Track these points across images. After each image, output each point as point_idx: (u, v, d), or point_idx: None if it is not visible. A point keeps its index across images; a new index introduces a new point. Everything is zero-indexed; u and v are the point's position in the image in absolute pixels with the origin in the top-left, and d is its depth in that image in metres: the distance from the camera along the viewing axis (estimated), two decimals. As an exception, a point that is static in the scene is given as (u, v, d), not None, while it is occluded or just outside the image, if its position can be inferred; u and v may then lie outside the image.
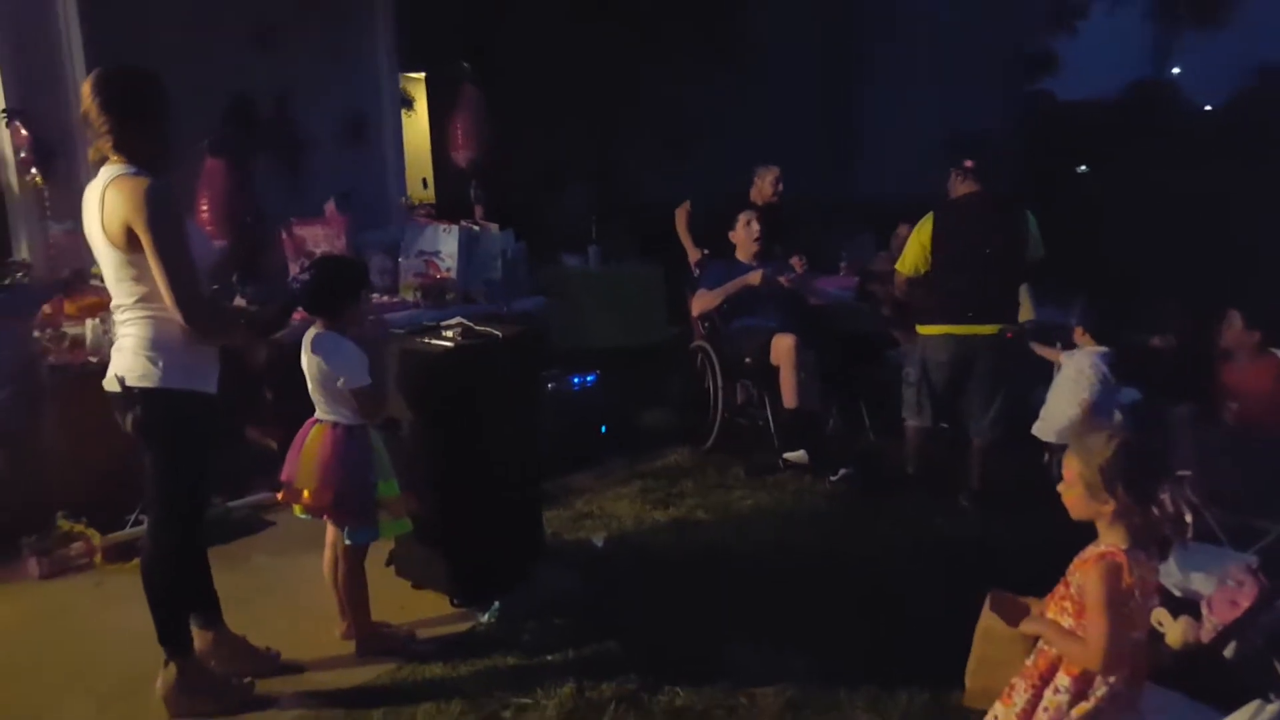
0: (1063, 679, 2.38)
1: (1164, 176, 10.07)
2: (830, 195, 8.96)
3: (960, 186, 4.73)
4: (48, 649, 3.52)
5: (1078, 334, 4.81)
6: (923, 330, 4.79)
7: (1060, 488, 2.45)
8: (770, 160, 6.35)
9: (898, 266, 4.88)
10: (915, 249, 4.74)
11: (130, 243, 2.80)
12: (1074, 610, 2.38)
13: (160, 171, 2.87)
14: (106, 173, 2.85)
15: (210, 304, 3.00)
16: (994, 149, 4.85)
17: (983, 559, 4.02)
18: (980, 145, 4.84)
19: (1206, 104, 15.71)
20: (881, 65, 11.36)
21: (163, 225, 2.78)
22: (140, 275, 2.85)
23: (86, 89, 2.84)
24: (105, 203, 2.81)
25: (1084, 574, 2.35)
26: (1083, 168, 12.83)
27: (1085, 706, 2.32)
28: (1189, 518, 2.23)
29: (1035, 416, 4.86)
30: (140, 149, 2.85)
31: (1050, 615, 2.46)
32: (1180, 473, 3.35)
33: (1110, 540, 2.36)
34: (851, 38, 11.54)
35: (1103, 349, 4.70)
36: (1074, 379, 4.69)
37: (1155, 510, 2.32)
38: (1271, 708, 1.88)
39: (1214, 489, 3.80)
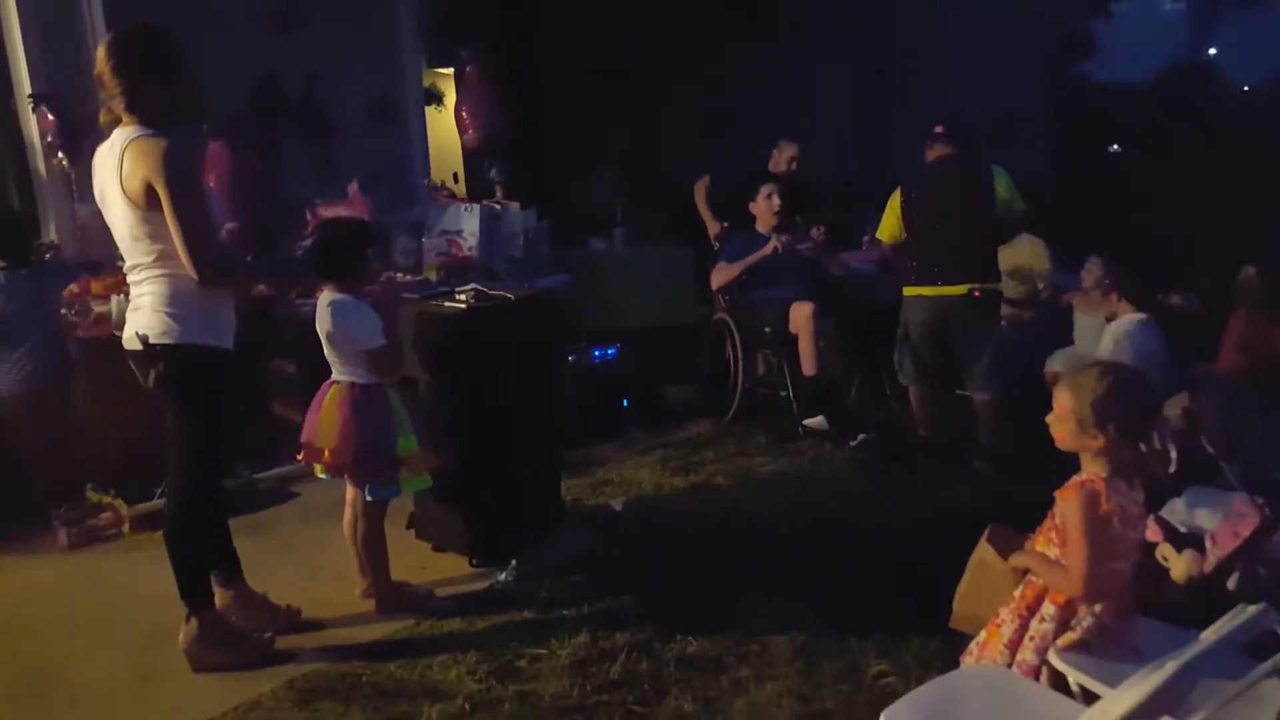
0: (1048, 608, 2.39)
1: (1195, 154, 9.99)
2: (863, 174, 8.90)
3: (930, 153, 4.86)
4: (75, 608, 3.60)
5: (1111, 299, 4.72)
6: (905, 293, 4.92)
7: (1049, 419, 2.46)
8: (804, 141, 6.36)
9: (878, 234, 5.07)
10: (889, 219, 4.92)
11: (150, 201, 2.83)
12: (1059, 540, 2.41)
13: (173, 132, 2.88)
14: (121, 134, 2.88)
15: (224, 261, 3.04)
16: (970, 117, 4.99)
17: (997, 518, 3.99)
18: (956, 115, 4.98)
19: (1244, 84, 15.48)
20: (918, 47, 11.32)
21: (183, 184, 2.83)
22: (157, 233, 2.89)
23: (101, 51, 2.87)
24: (124, 163, 2.84)
25: (1065, 503, 2.38)
26: (1114, 147, 12.75)
27: (1071, 637, 2.32)
28: (1174, 454, 2.24)
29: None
30: (154, 110, 2.87)
31: (1039, 548, 2.49)
32: (1170, 409, 3.32)
33: (1091, 471, 2.38)
34: (888, 18, 11.50)
35: (1142, 315, 4.54)
36: (1111, 350, 4.60)
37: (1142, 447, 2.34)
38: (1252, 609, 1.87)
39: (1234, 443, 3.75)
